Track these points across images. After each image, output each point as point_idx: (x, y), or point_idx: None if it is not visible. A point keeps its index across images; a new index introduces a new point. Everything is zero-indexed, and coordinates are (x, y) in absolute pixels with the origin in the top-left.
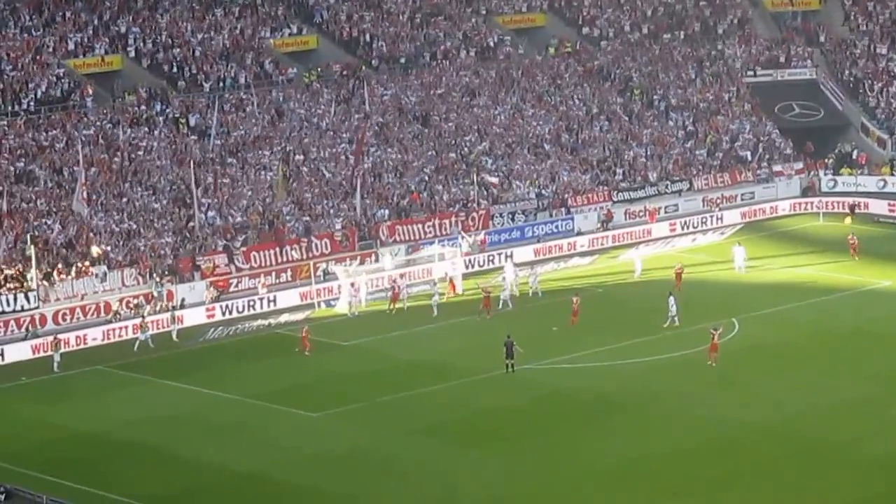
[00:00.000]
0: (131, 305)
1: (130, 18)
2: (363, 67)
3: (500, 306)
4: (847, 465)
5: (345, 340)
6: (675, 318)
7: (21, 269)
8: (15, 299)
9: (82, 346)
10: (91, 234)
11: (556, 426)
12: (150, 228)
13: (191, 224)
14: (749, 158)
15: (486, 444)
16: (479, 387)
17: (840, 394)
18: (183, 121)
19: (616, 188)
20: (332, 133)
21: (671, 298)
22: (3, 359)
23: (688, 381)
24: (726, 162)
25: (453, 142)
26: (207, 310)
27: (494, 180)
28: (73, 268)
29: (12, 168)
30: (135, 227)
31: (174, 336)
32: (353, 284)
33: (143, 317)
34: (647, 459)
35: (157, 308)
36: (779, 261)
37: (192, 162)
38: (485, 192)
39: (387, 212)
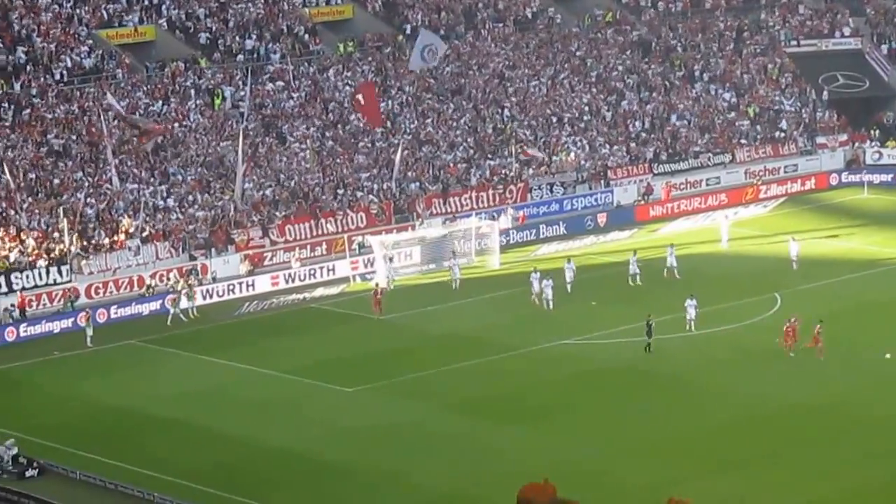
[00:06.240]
0: (164, 279)
1: None
2: (399, 38)
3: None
4: (890, 442)
5: (380, 315)
6: (692, 324)
7: (61, 245)
8: (48, 273)
9: (115, 319)
10: (119, 207)
11: (596, 401)
12: (183, 202)
13: (227, 197)
14: (792, 130)
15: (524, 419)
16: (517, 362)
17: (883, 370)
18: (217, 92)
19: (656, 161)
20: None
21: (692, 301)
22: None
23: (728, 356)
24: (769, 134)
25: (491, 114)
26: (242, 284)
27: (539, 154)
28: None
29: (45, 140)
30: (169, 200)
31: (192, 313)
32: (391, 259)
33: (176, 291)
34: (686, 435)
35: (191, 282)
36: (822, 234)
37: (238, 134)
38: (520, 166)
39: (422, 185)
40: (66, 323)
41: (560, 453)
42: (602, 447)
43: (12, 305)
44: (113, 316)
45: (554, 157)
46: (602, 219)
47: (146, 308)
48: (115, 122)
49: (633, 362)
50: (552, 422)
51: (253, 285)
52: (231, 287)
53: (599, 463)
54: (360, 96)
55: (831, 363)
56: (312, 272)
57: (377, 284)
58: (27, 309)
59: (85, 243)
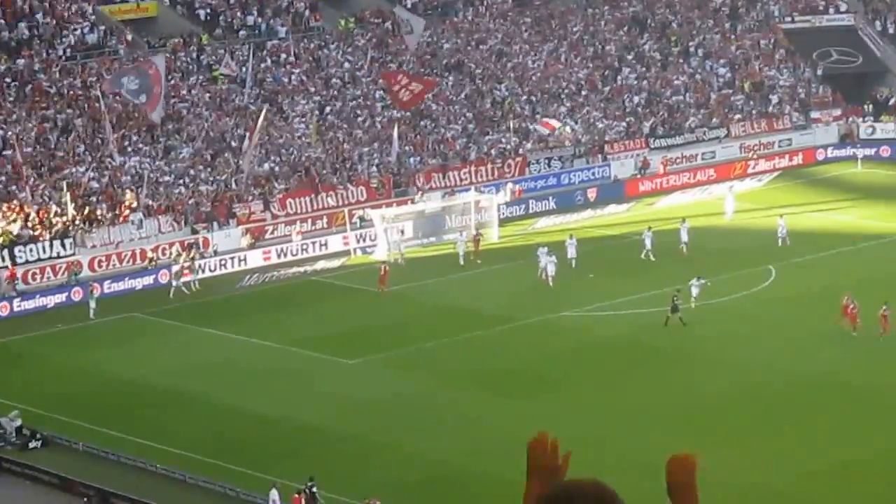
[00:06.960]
0: (167, 253)
1: None
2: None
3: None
4: (884, 413)
5: (385, 289)
6: (693, 301)
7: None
8: (51, 246)
9: (118, 292)
10: (123, 182)
11: (595, 373)
12: (185, 176)
13: (228, 171)
14: (786, 105)
15: (524, 390)
16: (517, 334)
17: (879, 341)
18: (216, 67)
19: (653, 135)
20: (368, 79)
21: (699, 281)
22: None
23: (724, 328)
24: (763, 109)
25: (490, 89)
26: (241, 258)
27: (556, 124)
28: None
29: (47, 115)
30: (171, 175)
31: (194, 286)
32: (402, 231)
33: (178, 264)
34: (683, 405)
35: (193, 255)
36: (816, 208)
37: (244, 109)
38: (519, 140)
39: (421, 159)
40: (61, 297)
41: (561, 424)
42: (603, 418)
43: (7, 278)
44: (116, 289)
45: (558, 125)
46: (592, 193)
47: (148, 281)
48: (114, 98)
49: (633, 333)
50: (553, 393)
51: (245, 260)
52: (223, 262)
53: (599, 433)
54: (404, 83)
55: (829, 335)
56: (304, 246)
57: (385, 265)
58: (16, 281)
59: (88, 216)
